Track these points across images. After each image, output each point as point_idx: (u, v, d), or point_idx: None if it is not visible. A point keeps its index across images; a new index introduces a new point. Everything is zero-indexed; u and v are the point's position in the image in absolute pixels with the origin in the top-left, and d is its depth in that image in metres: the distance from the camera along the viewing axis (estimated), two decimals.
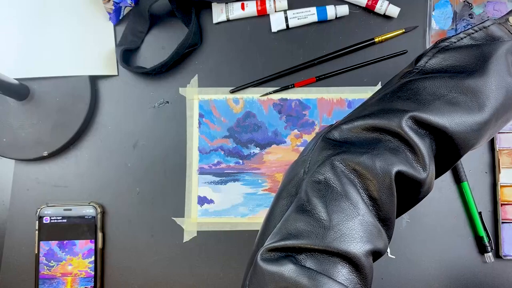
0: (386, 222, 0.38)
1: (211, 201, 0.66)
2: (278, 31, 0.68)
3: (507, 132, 0.65)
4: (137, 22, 0.67)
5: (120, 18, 0.68)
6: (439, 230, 0.65)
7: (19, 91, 0.63)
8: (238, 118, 0.67)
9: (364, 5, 0.66)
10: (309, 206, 0.37)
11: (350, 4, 0.67)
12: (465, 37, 0.44)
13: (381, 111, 0.40)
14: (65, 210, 0.64)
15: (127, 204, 0.66)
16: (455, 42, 0.44)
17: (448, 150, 0.40)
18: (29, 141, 0.65)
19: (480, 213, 0.63)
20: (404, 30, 0.66)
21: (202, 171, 0.66)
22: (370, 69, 0.67)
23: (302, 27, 0.68)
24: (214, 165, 0.66)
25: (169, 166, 0.66)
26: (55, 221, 0.64)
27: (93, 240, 0.64)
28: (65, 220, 0.64)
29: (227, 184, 0.66)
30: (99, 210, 0.64)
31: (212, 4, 0.68)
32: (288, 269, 0.33)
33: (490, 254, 0.63)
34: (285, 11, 0.67)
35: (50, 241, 0.64)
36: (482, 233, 0.63)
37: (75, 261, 0.64)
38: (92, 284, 0.64)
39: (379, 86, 0.67)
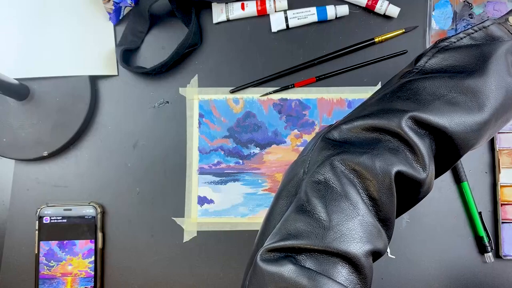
0: (386, 222, 0.38)
1: (211, 201, 0.66)
2: (278, 31, 0.68)
3: (507, 132, 0.65)
4: (137, 22, 0.67)
5: (120, 18, 0.68)
6: (439, 230, 0.65)
7: (19, 91, 0.63)
8: (238, 118, 0.67)
9: (364, 5, 0.66)
10: (309, 206, 0.37)
11: (350, 4, 0.67)
12: (464, 37, 0.44)
13: (381, 111, 0.40)
14: (65, 210, 0.64)
15: (127, 204, 0.66)
16: (454, 42, 0.44)
17: (447, 150, 0.40)
18: (29, 141, 0.65)
19: (480, 213, 0.63)
20: (404, 30, 0.66)
21: (202, 171, 0.66)
22: (370, 69, 0.67)
23: (302, 27, 0.68)
24: (214, 165, 0.66)
25: (169, 166, 0.66)
26: (55, 221, 0.64)
27: (93, 240, 0.64)
28: (65, 220, 0.64)
29: (227, 184, 0.66)
30: (99, 210, 0.64)
31: (212, 4, 0.68)
32: (287, 270, 0.33)
33: (490, 254, 0.63)
34: (285, 11, 0.67)
35: (50, 241, 0.64)
36: (482, 233, 0.63)
37: (75, 261, 0.64)
38: (92, 284, 0.64)
39: (379, 86, 0.67)
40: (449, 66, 0.42)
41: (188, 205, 0.66)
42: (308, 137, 0.67)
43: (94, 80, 0.67)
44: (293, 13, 0.66)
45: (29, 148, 0.65)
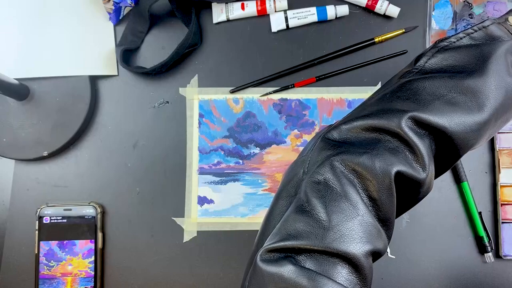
0: (385, 223, 0.38)
1: (211, 201, 0.66)
2: (278, 31, 0.68)
3: (507, 132, 0.65)
4: (137, 22, 0.67)
5: (120, 18, 0.68)
6: (439, 230, 0.65)
7: (19, 91, 0.63)
8: (238, 118, 0.67)
9: (364, 5, 0.66)
10: (309, 206, 0.37)
11: (350, 4, 0.67)
12: (464, 37, 0.44)
13: (381, 111, 0.40)
14: (65, 210, 0.64)
15: (127, 204, 0.66)
16: (454, 42, 0.44)
17: (447, 150, 0.40)
18: (29, 141, 0.65)
19: (480, 213, 0.63)
20: (404, 30, 0.66)
21: (202, 171, 0.66)
22: (370, 69, 0.67)
23: (302, 27, 0.68)
24: (214, 165, 0.66)
25: (169, 166, 0.66)
26: (55, 221, 0.64)
27: (93, 240, 0.64)
28: (65, 220, 0.64)
29: (227, 184, 0.66)
30: (99, 210, 0.64)
31: (212, 4, 0.68)
32: (287, 270, 0.33)
33: (490, 254, 0.63)
34: (285, 11, 0.67)
35: (50, 241, 0.64)
36: (482, 233, 0.63)
37: (75, 261, 0.64)
38: (92, 284, 0.64)
39: (379, 86, 0.67)
40: (449, 66, 0.42)
41: (188, 205, 0.66)
42: (308, 137, 0.67)
43: (94, 80, 0.67)
44: (293, 13, 0.66)
45: (29, 148, 0.65)
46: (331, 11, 0.66)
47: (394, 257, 0.64)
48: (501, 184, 0.64)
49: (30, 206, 0.65)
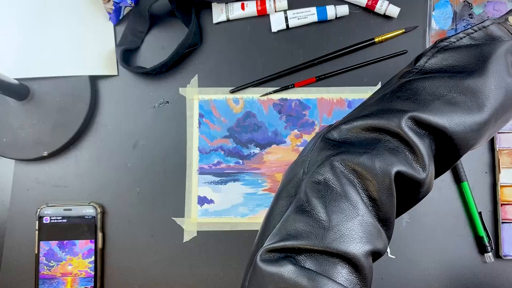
0: (385, 223, 0.38)
1: (211, 201, 0.66)
2: (278, 31, 0.68)
3: (507, 132, 0.65)
4: (137, 22, 0.67)
5: (120, 18, 0.68)
6: (439, 230, 0.65)
7: (19, 91, 0.63)
8: (238, 118, 0.67)
9: (364, 5, 0.66)
10: (309, 206, 0.37)
11: (350, 4, 0.67)
12: (464, 37, 0.44)
13: (381, 111, 0.40)
14: (65, 210, 0.64)
15: (127, 204, 0.66)
16: (454, 42, 0.44)
17: (447, 150, 0.40)
18: (29, 141, 0.65)
19: (480, 213, 0.63)
20: (404, 30, 0.66)
21: (202, 171, 0.66)
22: (370, 69, 0.67)
23: (302, 27, 0.68)
24: (214, 165, 0.66)
25: (169, 166, 0.66)
26: (55, 221, 0.64)
27: (93, 240, 0.64)
28: (65, 220, 0.64)
29: (227, 184, 0.66)
30: (99, 210, 0.64)
31: (212, 4, 0.68)
32: (287, 270, 0.33)
33: (490, 254, 0.63)
34: (285, 11, 0.67)
35: (50, 241, 0.64)
36: (482, 233, 0.63)
37: (75, 261, 0.64)
38: (92, 284, 0.64)
39: (379, 86, 0.67)
40: (449, 66, 0.42)
41: (188, 205, 0.66)
42: (308, 137, 0.67)
43: (94, 80, 0.67)
44: (293, 13, 0.66)
45: (29, 148, 0.65)
46: (331, 11, 0.66)
47: (394, 257, 0.64)
48: (501, 184, 0.64)
49: (30, 206, 0.65)
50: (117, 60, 0.67)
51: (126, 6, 0.66)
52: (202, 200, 0.66)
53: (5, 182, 0.67)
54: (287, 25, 0.67)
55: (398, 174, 0.37)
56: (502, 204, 0.64)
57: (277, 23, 0.67)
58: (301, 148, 0.66)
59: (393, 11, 0.66)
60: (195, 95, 0.67)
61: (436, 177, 0.42)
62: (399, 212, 0.42)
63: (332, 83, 0.67)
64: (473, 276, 0.64)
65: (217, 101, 0.67)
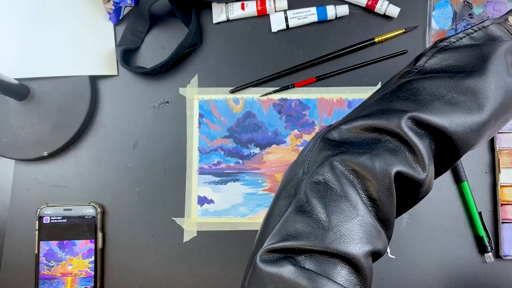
0: (385, 223, 0.38)
1: (211, 201, 0.66)
2: (278, 31, 0.68)
3: (507, 132, 0.65)
4: (137, 22, 0.67)
5: (120, 18, 0.68)
6: (439, 230, 0.65)
7: (19, 91, 0.63)
8: (238, 118, 0.67)
9: (364, 5, 0.66)
10: (308, 207, 0.37)
11: (350, 4, 0.67)
12: (464, 37, 0.44)
13: (380, 111, 0.40)
14: (65, 210, 0.64)
15: (127, 204, 0.66)
16: (454, 42, 0.44)
17: (447, 150, 0.40)
18: (29, 141, 0.65)
19: (480, 213, 0.63)
20: (404, 30, 0.66)
21: (202, 171, 0.66)
22: (370, 69, 0.67)
23: (302, 27, 0.68)
24: (214, 165, 0.66)
25: (169, 166, 0.66)
26: (55, 221, 0.64)
27: (93, 240, 0.64)
28: (65, 220, 0.64)
29: (227, 184, 0.66)
30: (99, 210, 0.64)
31: (212, 4, 0.68)
32: (287, 271, 0.33)
33: (490, 254, 0.63)
34: (285, 11, 0.67)
35: (50, 241, 0.64)
36: (482, 233, 0.63)
37: (75, 261, 0.64)
38: (92, 284, 0.64)
39: (379, 86, 0.67)
40: (449, 66, 0.42)
41: (188, 205, 0.66)
42: (308, 137, 0.67)
43: (94, 80, 0.67)
44: (293, 13, 0.66)
45: (29, 148, 0.65)
46: (331, 11, 0.66)
47: (394, 257, 0.64)
48: (501, 184, 0.64)
49: (30, 206, 0.65)
50: (117, 60, 0.67)
51: (126, 6, 0.66)
52: (202, 200, 0.66)
53: (5, 182, 0.67)
54: (287, 25, 0.67)
55: (398, 174, 0.37)
56: (502, 204, 0.64)
57: (277, 23, 0.67)
58: (301, 148, 0.66)
59: (393, 11, 0.66)
60: (195, 95, 0.67)
61: (436, 177, 0.42)
62: (399, 212, 0.42)
63: (332, 83, 0.67)
64: (473, 276, 0.64)
65: (217, 101, 0.67)
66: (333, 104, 0.67)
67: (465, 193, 0.64)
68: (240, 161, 0.66)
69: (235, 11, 0.67)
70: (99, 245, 0.64)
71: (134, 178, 0.66)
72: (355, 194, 0.37)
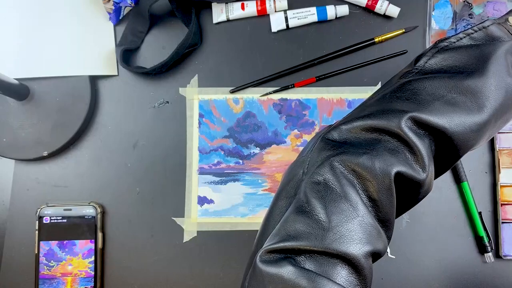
0: (385, 223, 0.38)
1: (211, 201, 0.66)
2: (278, 31, 0.68)
3: (507, 132, 0.65)
4: (137, 22, 0.67)
5: (120, 18, 0.68)
6: (439, 230, 0.65)
7: (19, 91, 0.63)
8: (238, 118, 0.67)
9: (364, 5, 0.66)
10: (308, 207, 0.37)
11: (350, 4, 0.67)
12: (464, 37, 0.44)
13: (380, 111, 0.40)
14: (65, 210, 0.64)
15: (127, 204, 0.66)
16: (454, 42, 0.44)
17: (447, 151, 0.40)
18: (29, 141, 0.65)
19: (480, 213, 0.63)
20: (404, 30, 0.66)
21: (202, 171, 0.66)
22: (370, 69, 0.67)
23: (302, 27, 0.68)
24: (214, 165, 0.66)
25: (169, 166, 0.66)
26: (55, 221, 0.64)
27: (93, 240, 0.64)
28: (65, 220, 0.64)
29: (227, 184, 0.66)
30: (99, 210, 0.64)
31: (212, 4, 0.68)
32: (287, 271, 0.33)
33: (490, 254, 0.63)
34: (285, 11, 0.67)
35: (50, 241, 0.64)
36: (482, 233, 0.63)
37: (75, 261, 0.64)
38: (92, 284, 0.64)
39: (379, 86, 0.67)
40: (449, 67, 0.42)
41: (188, 205, 0.66)
42: (308, 137, 0.67)
43: (94, 80, 0.67)
44: (293, 13, 0.66)
45: (29, 148, 0.65)
46: (331, 11, 0.66)
47: (394, 257, 0.64)
48: (501, 184, 0.64)
49: (30, 206, 0.65)
50: (117, 60, 0.67)
51: (126, 6, 0.66)
52: (202, 200, 0.66)
53: (5, 182, 0.67)
54: (287, 25, 0.67)
55: (398, 174, 0.37)
56: (502, 204, 0.64)
57: (277, 23, 0.67)
58: (301, 148, 0.66)
59: (393, 11, 0.66)
60: (195, 95, 0.67)
61: (436, 177, 0.42)
62: (399, 213, 0.42)
63: (332, 83, 0.67)
64: (473, 276, 0.64)
65: (217, 101, 0.67)
66: (333, 104, 0.67)
67: (465, 193, 0.64)
68: (240, 161, 0.66)
69: (235, 11, 0.67)
70: (99, 245, 0.64)
71: (134, 178, 0.66)
72: (355, 195, 0.37)
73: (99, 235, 0.64)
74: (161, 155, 0.67)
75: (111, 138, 0.67)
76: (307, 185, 0.38)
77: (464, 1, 0.66)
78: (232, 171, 0.66)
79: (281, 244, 0.35)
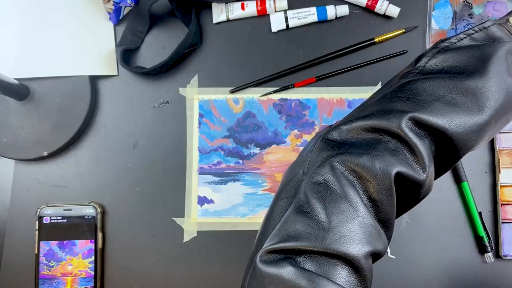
0: (385, 224, 0.38)
1: (211, 201, 0.66)
2: (278, 31, 0.67)
3: (507, 132, 0.65)
4: (137, 22, 0.67)
5: (120, 18, 0.68)
6: (439, 230, 0.65)
7: (19, 91, 0.63)
8: (238, 118, 0.67)
9: (364, 5, 0.66)
10: (308, 207, 0.36)
11: (350, 4, 0.67)
12: (465, 37, 0.44)
13: (381, 111, 0.40)
14: (65, 210, 0.64)
15: (127, 204, 0.66)
16: (455, 43, 0.44)
17: (447, 151, 0.40)
18: (29, 141, 0.65)
19: (480, 213, 0.63)
20: (404, 30, 0.66)
21: (202, 171, 0.66)
22: (370, 69, 0.67)
23: (302, 27, 0.68)
24: (214, 165, 0.66)
25: (169, 166, 0.66)
26: (55, 221, 0.64)
27: (93, 240, 0.64)
28: (65, 220, 0.64)
29: (227, 184, 0.66)
30: (99, 210, 0.64)
31: (212, 4, 0.68)
32: (287, 271, 0.33)
33: (490, 254, 0.63)
34: (285, 11, 0.67)
35: (50, 241, 0.64)
36: (482, 233, 0.63)
37: (75, 261, 0.64)
38: (92, 284, 0.64)
39: (379, 86, 0.67)
40: (449, 67, 0.42)
41: (188, 205, 0.66)
42: (308, 137, 0.67)
43: (94, 80, 0.67)
44: (293, 13, 0.66)
45: (29, 148, 0.65)
46: (331, 11, 0.66)
47: (394, 257, 0.64)
48: (501, 184, 0.64)
49: (30, 206, 0.65)
50: (117, 60, 0.67)
51: (126, 6, 0.66)
52: (202, 200, 0.66)
53: (5, 182, 0.67)
54: (287, 25, 0.67)
55: (398, 175, 0.37)
56: (502, 204, 0.64)
57: (277, 23, 0.67)
58: (301, 148, 0.66)
59: (393, 11, 0.66)
60: (195, 95, 0.67)
61: (436, 178, 0.42)
62: (399, 213, 0.42)
63: (332, 83, 0.67)
64: (473, 276, 0.64)
65: (217, 101, 0.67)
66: (333, 104, 0.67)
67: (465, 193, 0.64)
68: (240, 161, 0.66)
69: (235, 11, 0.67)
70: (99, 245, 0.64)
71: (134, 178, 0.66)
72: (355, 195, 0.37)
73: (99, 235, 0.64)
74: (161, 155, 0.67)
75: (111, 138, 0.67)
76: (307, 185, 0.38)
77: (464, 1, 0.66)
78: (232, 171, 0.66)
79: (281, 245, 0.35)
